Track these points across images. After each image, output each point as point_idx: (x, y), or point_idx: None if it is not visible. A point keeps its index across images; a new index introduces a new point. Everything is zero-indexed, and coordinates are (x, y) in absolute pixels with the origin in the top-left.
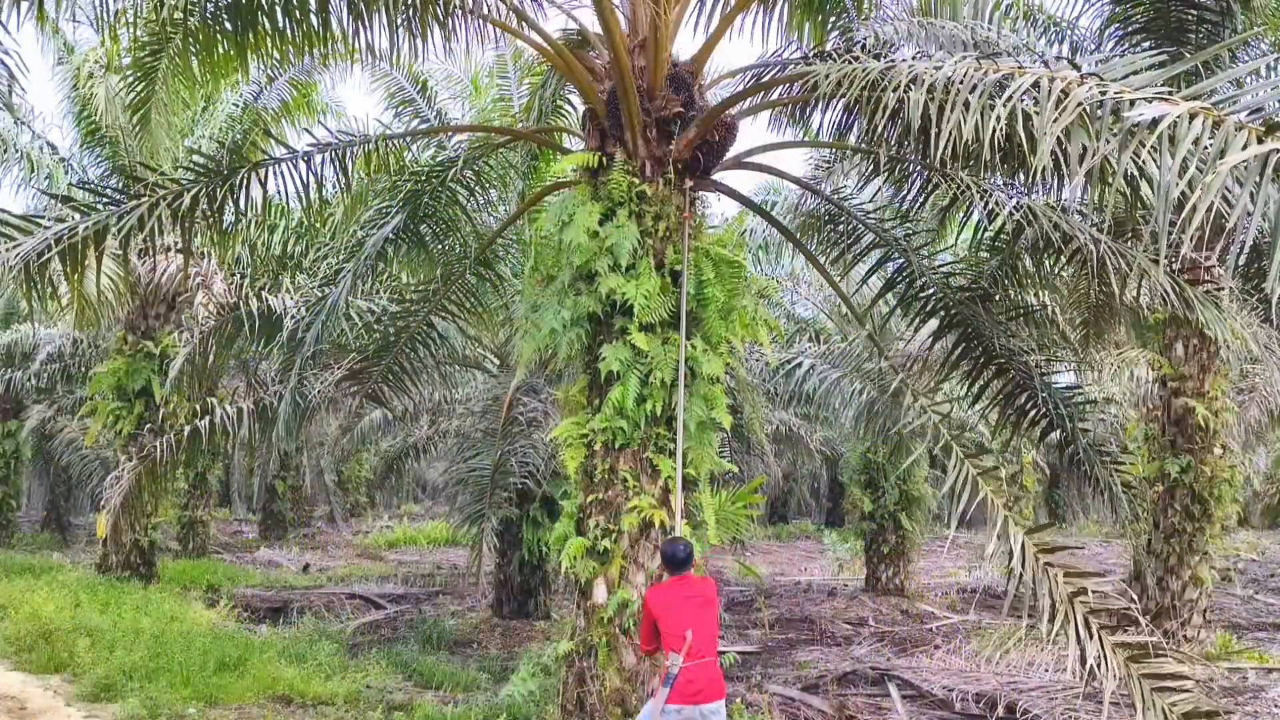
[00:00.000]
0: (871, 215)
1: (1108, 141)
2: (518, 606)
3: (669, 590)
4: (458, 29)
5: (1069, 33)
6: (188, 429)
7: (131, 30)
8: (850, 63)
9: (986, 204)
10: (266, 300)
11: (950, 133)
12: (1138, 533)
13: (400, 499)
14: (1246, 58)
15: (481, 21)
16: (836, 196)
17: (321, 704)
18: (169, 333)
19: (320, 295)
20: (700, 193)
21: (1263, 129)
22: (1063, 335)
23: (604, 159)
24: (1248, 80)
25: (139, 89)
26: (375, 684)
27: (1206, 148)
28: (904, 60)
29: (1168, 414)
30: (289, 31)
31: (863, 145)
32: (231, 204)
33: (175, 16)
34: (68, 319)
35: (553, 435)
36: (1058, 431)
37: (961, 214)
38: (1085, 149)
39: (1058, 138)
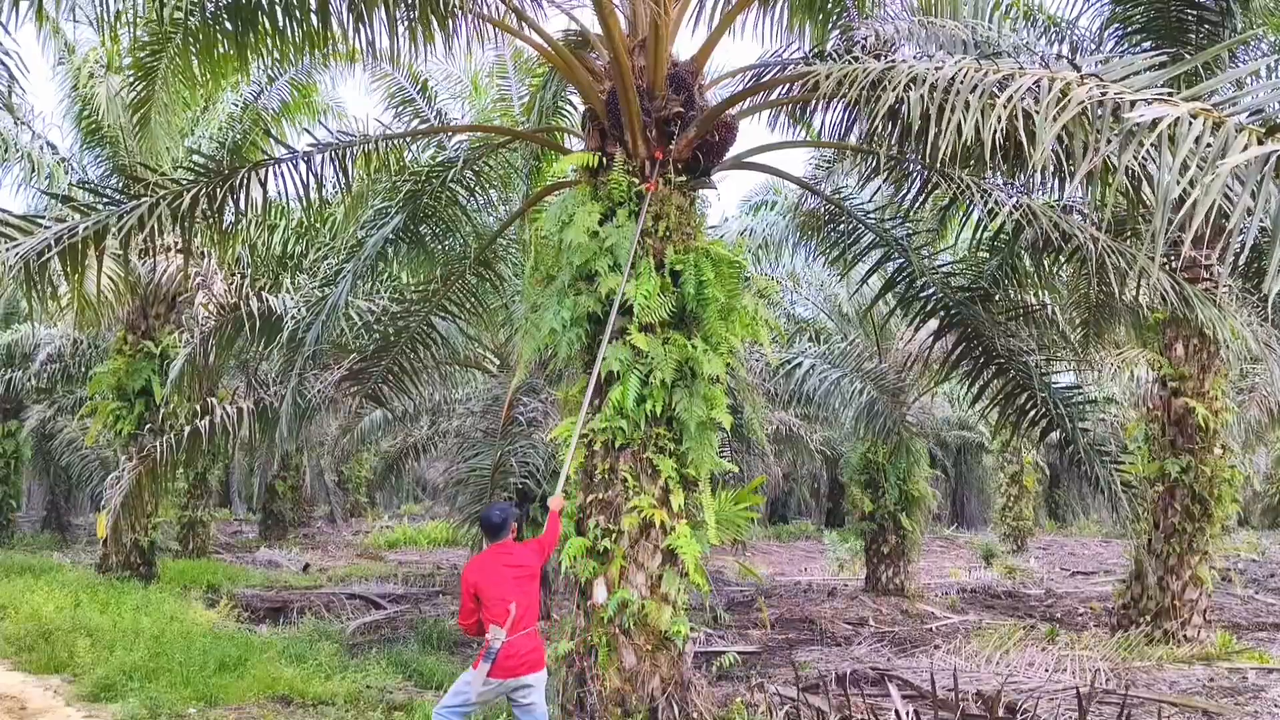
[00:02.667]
0: (871, 215)
1: (1108, 142)
2: None
3: (487, 560)
4: (458, 29)
5: (1069, 33)
6: (188, 429)
7: (132, 30)
8: (850, 63)
9: (986, 204)
10: (267, 300)
11: (950, 132)
12: (1138, 533)
13: (400, 499)
14: (1247, 58)
15: (481, 21)
16: (837, 196)
17: (321, 704)
18: (169, 333)
19: (320, 295)
20: (699, 191)
21: (1263, 130)
22: (1063, 335)
23: (604, 159)
24: (1248, 81)
25: (139, 89)
26: (375, 684)
27: (1207, 147)
28: (904, 60)
29: (1168, 414)
30: (289, 31)
31: (863, 145)
32: (231, 204)
33: (175, 17)
34: (68, 319)
35: (553, 435)
36: (1058, 431)
37: (961, 214)
38: (1085, 149)
39: (1058, 137)
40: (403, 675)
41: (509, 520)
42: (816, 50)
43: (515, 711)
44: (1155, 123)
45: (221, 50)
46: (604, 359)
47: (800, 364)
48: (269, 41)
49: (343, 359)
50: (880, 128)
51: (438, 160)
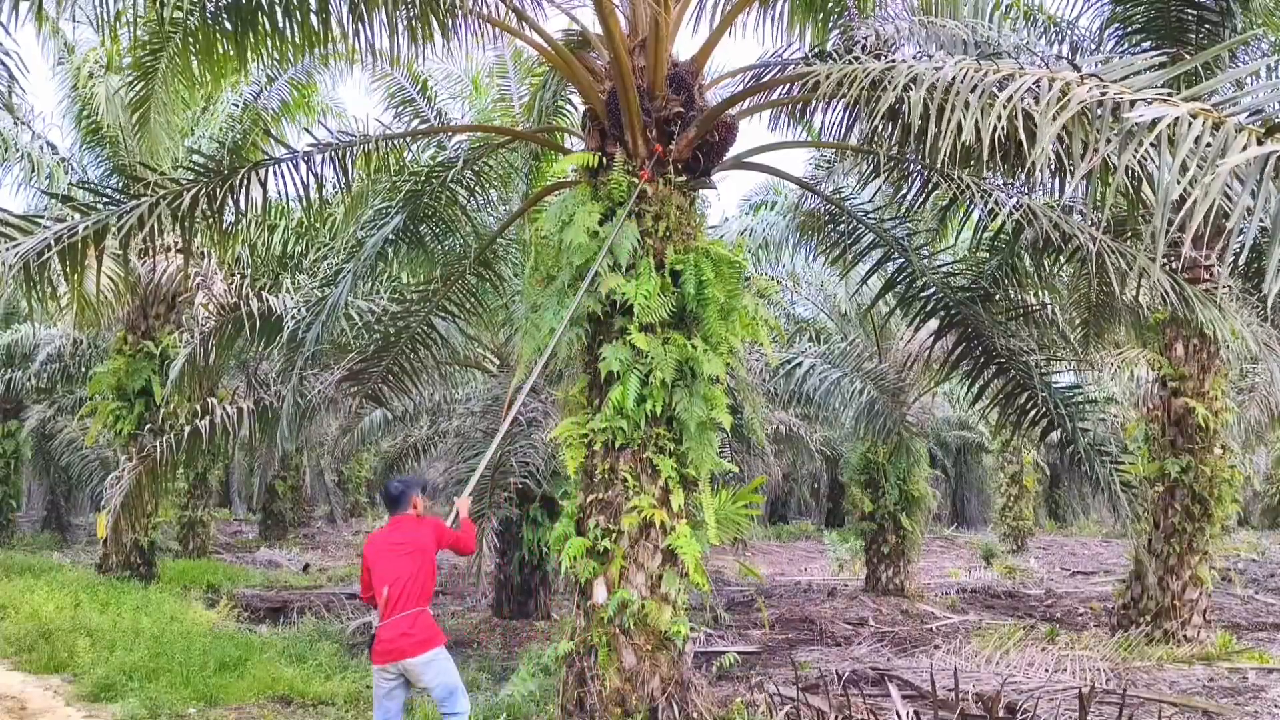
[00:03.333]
0: (871, 215)
1: (1108, 141)
2: (518, 606)
3: (379, 537)
4: (458, 29)
5: (1069, 33)
6: (188, 429)
7: (131, 30)
8: (851, 62)
9: (986, 204)
10: (267, 300)
11: (950, 132)
12: (1138, 533)
13: None
14: (1247, 58)
15: (481, 22)
16: (837, 196)
17: (321, 704)
18: (169, 333)
19: (320, 295)
20: (699, 191)
21: (1262, 130)
22: (1063, 335)
23: (604, 159)
24: (1248, 81)
25: (139, 89)
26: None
27: (1207, 147)
28: (904, 60)
29: (1168, 414)
30: (289, 31)
31: (863, 145)
32: (231, 204)
33: (175, 16)
34: (68, 319)
35: (553, 435)
36: (1058, 431)
37: (961, 214)
38: (1085, 149)
39: (1058, 137)
40: None
41: (409, 492)
42: (817, 50)
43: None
44: (1154, 122)
45: (221, 50)
46: (604, 359)
47: (800, 364)
48: (268, 41)
49: (343, 359)
50: (880, 128)
51: (438, 160)
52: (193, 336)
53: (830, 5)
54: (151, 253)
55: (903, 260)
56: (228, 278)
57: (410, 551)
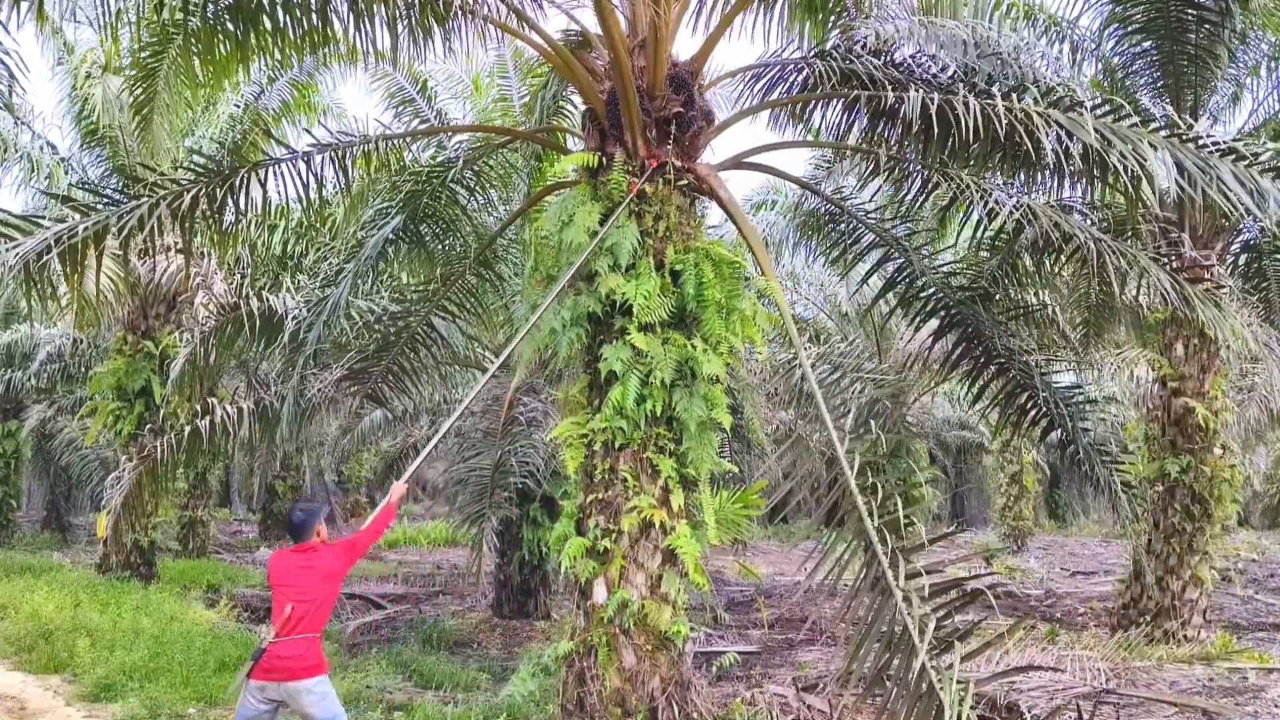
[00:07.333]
0: (871, 215)
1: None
2: (518, 606)
3: (284, 557)
4: (458, 29)
5: (1069, 32)
6: (188, 429)
7: (133, 30)
8: (851, 62)
9: (986, 204)
10: (267, 300)
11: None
12: (1138, 533)
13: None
14: (1246, 58)
15: (482, 22)
16: (837, 196)
17: None
18: (169, 333)
19: (321, 295)
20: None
21: None
22: (1063, 335)
23: (604, 159)
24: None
25: (139, 90)
26: (375, 684)
27: None
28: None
29: (1168, 414)
30: (290, 32)
31: (863, 145)
32: (231, 204)
33: (176, 18)
34: (68, 319)
35: (553, 435)
36: (1058, 431)
37: (961, 213)
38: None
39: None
40: (402, 675)
41: (312, 520)
42: (817, 50)
43: None
44: None
45: (223, 51)
46: (604, 359)
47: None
48: (270, 42)
49: (343, 359)
50: (879, 127)
51: (438, 160)
52: (193, 336)
53: (830, 5)
54: (151, 253)
55: (903, 260)
56: (228, 278)
57: (321, 575)
